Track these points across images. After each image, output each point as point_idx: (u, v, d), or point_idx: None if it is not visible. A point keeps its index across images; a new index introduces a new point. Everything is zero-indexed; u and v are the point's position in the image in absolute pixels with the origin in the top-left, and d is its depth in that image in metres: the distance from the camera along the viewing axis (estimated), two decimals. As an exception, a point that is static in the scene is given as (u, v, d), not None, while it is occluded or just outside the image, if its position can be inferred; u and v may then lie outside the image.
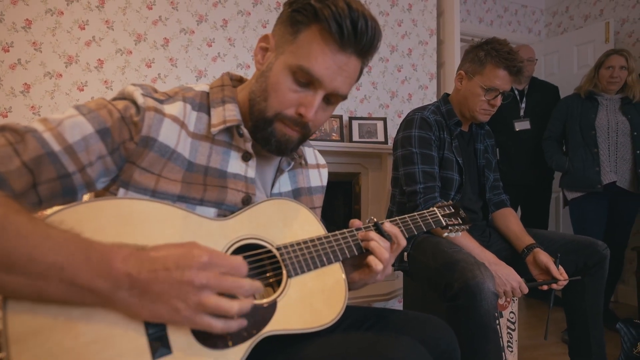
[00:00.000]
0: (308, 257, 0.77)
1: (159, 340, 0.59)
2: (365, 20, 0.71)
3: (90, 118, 0.66)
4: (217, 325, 0.57)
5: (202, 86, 0.83)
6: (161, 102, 0.74)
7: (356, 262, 0.86)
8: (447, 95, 1.67)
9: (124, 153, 0.69)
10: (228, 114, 0.78)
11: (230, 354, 0.63)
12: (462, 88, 1.57)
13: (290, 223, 0.80)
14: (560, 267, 1.41)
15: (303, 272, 0.75)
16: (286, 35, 0.74)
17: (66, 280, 0.53)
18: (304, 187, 0.95)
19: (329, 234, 0.82)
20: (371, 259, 0.80)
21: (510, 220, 1.65)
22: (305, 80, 0.73)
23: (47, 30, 1.92)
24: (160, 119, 0.71)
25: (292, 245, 0.77)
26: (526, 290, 1.34)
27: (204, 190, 0.75)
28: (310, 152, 1.01)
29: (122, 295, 0.55)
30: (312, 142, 2.19)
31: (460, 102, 1.59)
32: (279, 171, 0.88)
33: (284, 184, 0.90)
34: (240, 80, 0.90)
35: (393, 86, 2.62)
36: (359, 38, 0.71)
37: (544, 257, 1.43)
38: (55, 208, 0.63)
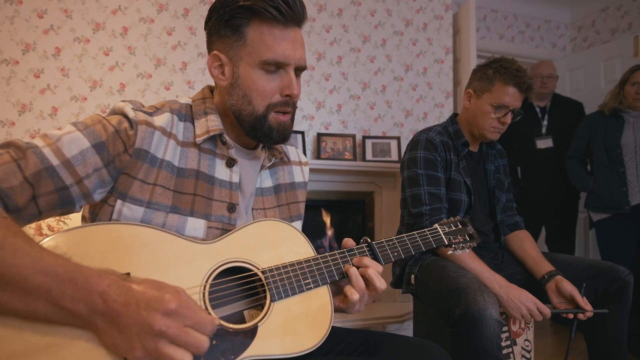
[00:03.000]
0: (294, 281, 0.77)
1: None
2: None
3: (86, 133, 0.71)
4: None
5: (186, 99, 0.88)
6: (150, 114, 0.78)
7: (336, 288, 0.85)
8: (456, 115, 1.65)
9: (119, 165, 0.73)
10: (211, 124, 0.83)
11: (206, 379, 0.63)
12: (471, 107, 1.56)
13: (279, 245, 0.81)
14: (584, 297, 1.34)
15: (287, 296, 0.75)
16: (234, 44, 0.80)
17: (52, 301, 0.55)
18: (285, 182, 0.98)
19: (318, 256, 0.82)
20: (347, 288, 0.79)
21: (526, 244, 1.59)
22: (275, 67, 0.80)
23: (75, 57, 2.04)
24: (152, 132, 0.76)
25: (277, 269, 0.77)
26: (547, 312, 1.28)
27: (193, 201, 0.78)
28: (293, 150, 1.04)
29: (95, 320, 0.57)
30: (325, 162, 2.20)
31: (470, 121, 1.57)
32: (261, 167, 0.91)
33: (265, 179, 0.93)
34: None
35: (408, 105, 2.61)
36: (295, 10, 0.78)
37: (568, 286, 1.36)
38: (53, 227, 0.66)
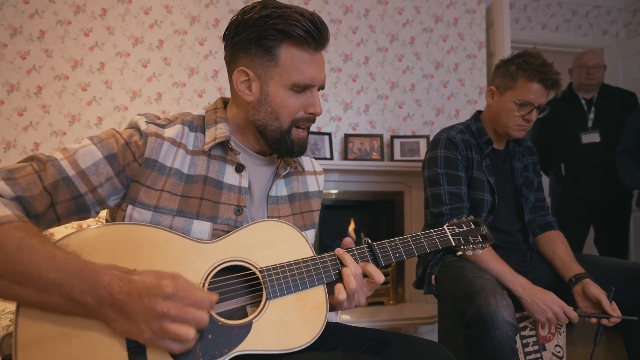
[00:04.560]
0: (290, 280, 0.80)
1: (137, 354, 0.66)
2: (318, 18, 0.84)
3: (100, 146, 0.79)
4: (176, 348, 0.64)
5: (200, 111, 0.94)
6: (162, 126, 0.85)
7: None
8: (479, 112, 1.61)
9: (129, 173, 0.80)
10: (219, 132, 0.88)
11: (201, 370, 0.68)
12: (494, 104, 1.51)
13: (278, 245, 0.84)
14: (613, 302, 1.27)
15: (283, 294, 0.78)
16: (265, 63, 0.84)
17: (63, 294, 0.63)
18: (300, 192, 1.01)
19: (316, 256, 0.84)
20: (338, 286, 0.81)
21: (557, 244, 1.52)
22: (302, 88, 0.86)
23: (117, 70, 2.21)
24: (160, 143, 0.82)
25: (275, 268, 0.80)
26: (574, 315, 1.23)
27: (200, 205, 0.84)
28: (307, 160, 1.07)
29: (104, 311, 0.64)
30: (351, 162, 2.21)
31: (493, 119, 1.52)
32: (277, 176, 0.95)
33: (280, 188, 0.97)
34: None
35: (438, 102, 2.55)
36: (323, 35, 0.84)
37: (595, 289, 1.29)
38: (65, 232, 0.74)
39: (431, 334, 2.24)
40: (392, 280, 2.40)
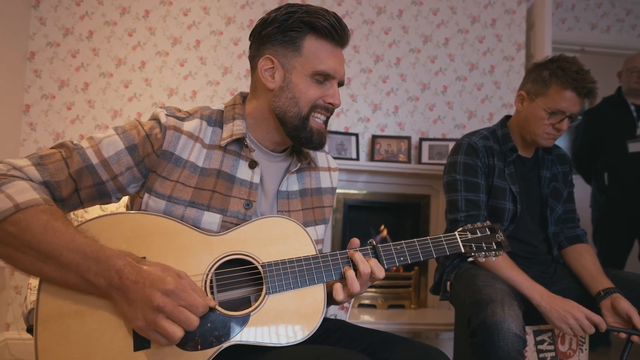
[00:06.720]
0: (290, 277, 0.83)
1: (142, 337, 0.71)
2: (340, 17, 0.91)
3: (123, 137, 0.84)
4: (161, 343, 0.69)
5: (219, 105, 0.98)
6: (182, 119, 0.89)
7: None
8: (508, 118, 1.56)
9: (148, 164, 0.86)
10: (236, 128, 0.92)
11: (197, 356, 0.73)
12: (523, 110, 1.46)
13: (283, 241, 0.86)
14: None
15: (282, 290, 0.81)
16: (289, 52, 0.90)
17: (79, 274, 0.69)
18: (312, 187, 1.03)
19: (318, 255, 0.87)
20: (336, 287, 0.83)
21: (585, 258, 1.45)
22: (322, 78, 0.91)
23: (156, 69, 2.33)
24: (178, 136, 0.87)
25: (276, 264, 0.83)
26: (598, 319, 1.17)
27: (211, 197, 0.88)
28: (322, 156, 1.09)
29: (113, 293, 0.69)
30: (377, 164, 2.21)
31: (521, 125, 1.47)
32: (288, 171, 0.98)
33: (292, 183, 0.99)
34: None
35: (471, 105, 2.49)
36: (346, 32, 0.92)
37: (625, 304, 1.23)
38: (87, 217, 0.81)
39: (452, 341, 2.19)
40: (414, 284, 2.37)
